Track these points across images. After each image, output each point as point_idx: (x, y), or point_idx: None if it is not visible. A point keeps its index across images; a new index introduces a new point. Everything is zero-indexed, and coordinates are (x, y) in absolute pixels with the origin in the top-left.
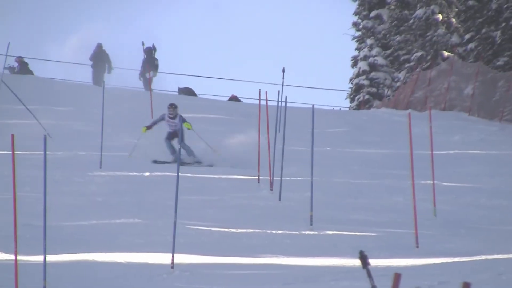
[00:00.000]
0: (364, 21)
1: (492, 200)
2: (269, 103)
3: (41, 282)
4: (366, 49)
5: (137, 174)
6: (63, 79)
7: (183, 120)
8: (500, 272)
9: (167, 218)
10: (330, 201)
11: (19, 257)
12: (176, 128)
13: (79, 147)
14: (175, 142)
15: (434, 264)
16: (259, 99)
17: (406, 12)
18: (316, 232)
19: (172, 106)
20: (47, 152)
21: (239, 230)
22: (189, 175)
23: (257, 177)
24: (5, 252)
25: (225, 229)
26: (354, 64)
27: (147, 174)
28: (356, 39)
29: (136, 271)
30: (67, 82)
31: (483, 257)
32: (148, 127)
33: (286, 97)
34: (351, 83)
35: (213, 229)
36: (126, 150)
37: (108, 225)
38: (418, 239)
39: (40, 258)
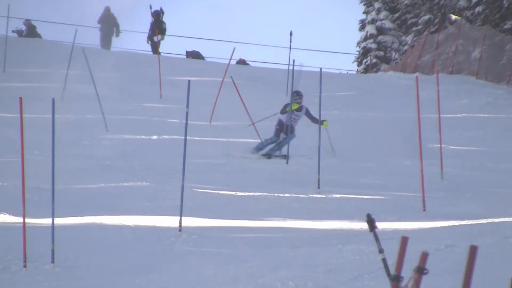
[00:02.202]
0: None
1: (499, 164)
2: (277, 66)
3: (49, 245)
4: (373, 13)
5: (145, 137)
6: (71, 42)
7: (307, 112)
8: (507, 235)
9: (175, 182)
10: (338, 165)
11: (27, 220)
12: (295, 122)
13: (87, 111)
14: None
15: (441, 227)
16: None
17: None
18: (324, 196)
19: (299, 95)
20: (55, 116)
21: (247, 194)
22: (197, 138)
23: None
24: (14, 215)
25: (233, 193)
26: (362, 28)
27: (155, 137)
28: (363, 3)
29: (144, 234)
30: (75, 45)
31: (490, 220)
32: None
33: (293, 60)
34: (359, 47)
35: (220, 192)
36: (134, 114)
37: (116, 188)
38: (425, 202)
39: (48, 221)
